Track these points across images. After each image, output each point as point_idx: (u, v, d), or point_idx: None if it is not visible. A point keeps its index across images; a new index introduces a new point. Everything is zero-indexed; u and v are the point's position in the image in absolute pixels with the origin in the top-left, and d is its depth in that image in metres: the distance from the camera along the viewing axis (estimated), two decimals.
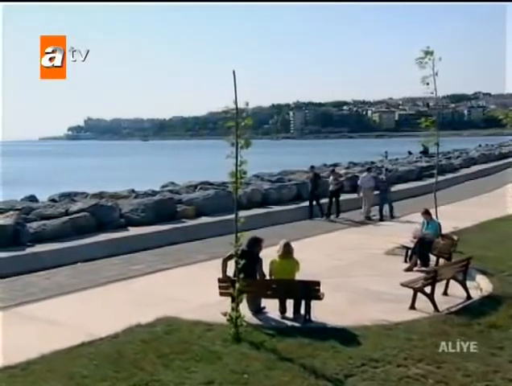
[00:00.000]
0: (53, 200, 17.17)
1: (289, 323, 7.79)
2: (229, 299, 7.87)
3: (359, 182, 18.57)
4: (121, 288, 10.14)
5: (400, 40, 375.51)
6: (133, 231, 14.26)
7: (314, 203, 18.36)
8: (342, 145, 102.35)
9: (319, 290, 7.59)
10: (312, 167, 19.48)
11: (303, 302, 7.86)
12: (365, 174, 18.97)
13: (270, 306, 8.13)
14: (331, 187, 18.29)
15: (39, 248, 12.31)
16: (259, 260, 7.89)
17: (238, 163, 7.08)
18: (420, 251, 10.41)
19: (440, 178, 27.54)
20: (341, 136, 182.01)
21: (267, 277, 8.03)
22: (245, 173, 7.18)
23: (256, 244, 8.00)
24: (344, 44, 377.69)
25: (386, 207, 17.98)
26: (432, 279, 7.99)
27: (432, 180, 26.22)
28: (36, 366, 6.40)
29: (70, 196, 17.72)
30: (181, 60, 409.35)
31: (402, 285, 8.26)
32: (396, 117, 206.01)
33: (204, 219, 15.95)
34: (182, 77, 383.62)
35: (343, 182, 19.96)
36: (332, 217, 18.07)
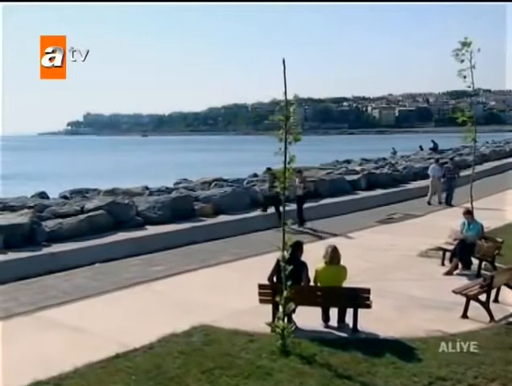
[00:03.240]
0: (65, 197, 16.64)
1: (335, 333, 7.26)
2: (264, 306, 7.40)
3: (429, 171, 20.83)
4: (145, 291, 9.63)
5: (400, 36, 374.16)
6: (151, 230, 13.68)
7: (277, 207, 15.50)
8: (344, 142, 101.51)
9: (368, 298, 7.07)
10: (269, 169, 16.35)
11: (347, 310, 7.37)
12: (433, 165, 21.06)
13: (311, 314, 7.60)
14: (298, 192, 15.71)
15: (56, 247, 11.75)
16: (304, 266, 7.34)
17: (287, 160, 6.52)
18: (461, 254, 9.86)
19: None
20: (341, 132, 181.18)
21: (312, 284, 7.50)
22: (293, 173, 6.62)
23: (298, 248, 7.45)
24: (344, 40, 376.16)
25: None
26: (488, 286, 7.47)
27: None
28: (71, 381, 5.91)
29: (82, 193, 17.19)
30: (180, 56, 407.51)
31: (455, 292, 7.73)
32: (396, 113, 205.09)
33: (223, 218, 15.35)
34: (181, 72, 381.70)
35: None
36: (296, 226, 14.85)
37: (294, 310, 7.30)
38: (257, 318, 7.61)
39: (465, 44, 10.91)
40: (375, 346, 6.67)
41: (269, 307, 7.37)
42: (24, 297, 9.36)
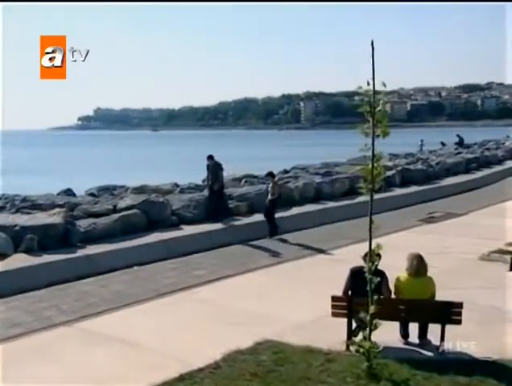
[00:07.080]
0: (93, 194, 15.92)
1: (420, 352, 6.47)
2: (328, 318, 6.66)
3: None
4: (191, 299, 8.93)
5: (411, 29, 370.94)
6: (188, 230, 12.90)
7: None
8: (359, 136, 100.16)
9: (460, 313, 6.28)
10: (211, 158, 14.87)
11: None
12: None
13: (384, 328, 6.79)
14: (269, 197, 13.87)
15: (92, 249, 11.01)
16: (384, 276, 6.55)
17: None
18: None
19: (488, 171, 26.28)
20: (353, 126, 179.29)
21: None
22: (381, 172, 5.84)
23: (377, 257, 6.66)
24: (354, 35, 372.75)
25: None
26: None
27: (481, 173, 25.02)
28: None
29: (109, 190, 16.47)
30: (190, 50, 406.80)
31: None
32: (408, 108, 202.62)
33: (259, 217, 14.51)
34: (191, 67, 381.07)
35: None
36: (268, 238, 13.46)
37: None
38: (325, 332, 6.89)
39: None
40: (472, 368, 5.86)
41: (334, 319, 6.63)
42: (64, 304, 8.68)
